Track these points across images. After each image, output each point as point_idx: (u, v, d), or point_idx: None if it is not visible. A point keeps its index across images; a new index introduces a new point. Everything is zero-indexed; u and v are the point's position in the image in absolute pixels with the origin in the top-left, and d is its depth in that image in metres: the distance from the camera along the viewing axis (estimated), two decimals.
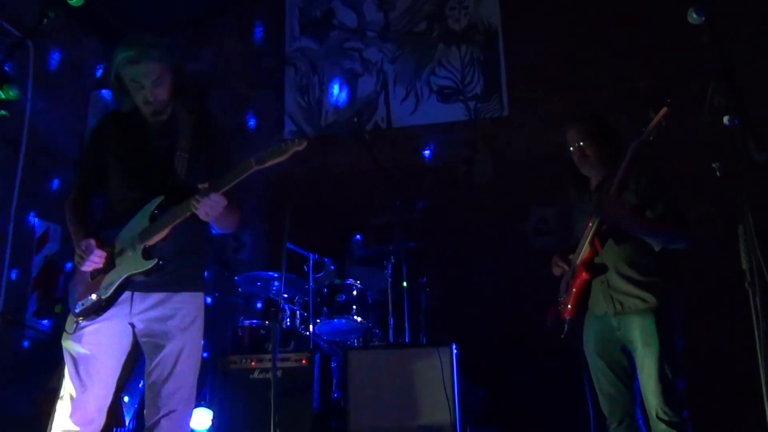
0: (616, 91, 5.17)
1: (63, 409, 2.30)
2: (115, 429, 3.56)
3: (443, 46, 5.81)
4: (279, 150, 2.21)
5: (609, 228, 2.77)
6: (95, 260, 2.29)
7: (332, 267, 4.37)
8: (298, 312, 4.20)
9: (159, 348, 2.33)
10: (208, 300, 5.32)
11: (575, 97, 5.33)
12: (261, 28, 6.30)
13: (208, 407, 3.63)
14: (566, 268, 2.95)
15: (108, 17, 5.92)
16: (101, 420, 2.35)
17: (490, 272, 5.16)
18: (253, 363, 3.51)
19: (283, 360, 3.50)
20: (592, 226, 2.76)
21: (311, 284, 4.02)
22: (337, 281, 4.19)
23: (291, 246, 4.09)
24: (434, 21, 5.88)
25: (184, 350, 2.35)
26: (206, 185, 2.22)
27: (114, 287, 2.28)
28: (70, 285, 2.42)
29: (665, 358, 2.59)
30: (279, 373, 3.41)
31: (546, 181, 5.26)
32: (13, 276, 4.87)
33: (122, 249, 2.32)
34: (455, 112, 5.67)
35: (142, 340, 2.39)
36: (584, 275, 2.81)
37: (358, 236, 4.66)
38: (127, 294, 2.33)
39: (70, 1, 1.92)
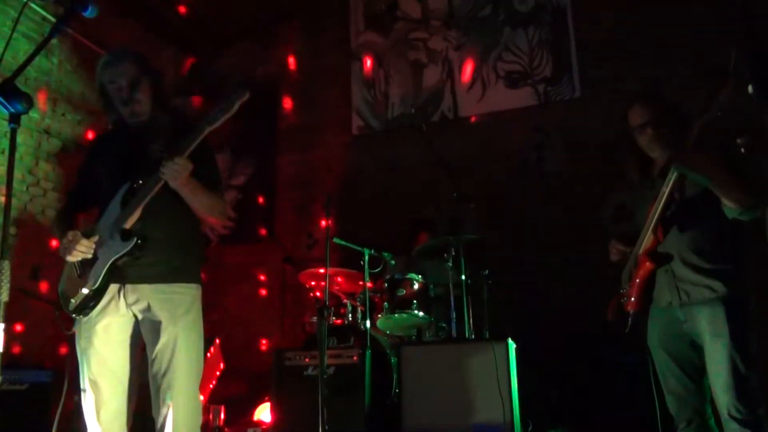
0: (695, 66, 4.78)
1: (87, 408, 2.37)
2: None
3: (509, 29, 5.62)
4: (227, 105, 2.26)
5: (673, 214, 2.58)
6: (83, 249, 2.33)
7: (392, 261, 4.33)
8: (359, 308, 4.20)
9: (154, 340, 2.35)
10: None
11: (650, 74, 5.00)
12: (327, 27, 6.37)
13: (269, 403, 3.72)
14: (626, 252, 2.78)
15: (183, 27, 6.20)
16: (124, 416, 2.38)
17: (564, 263, 4.95)
18: (306, 360, 3.55)
19: (335, 357, 3.51)
20: (656, 210, 2.56)
21: (366, 280, 4.00)
22: (398, 276, 4.15)
23: (343, 242, 4.10)
24: (499, 4, 5.70)
25: (179, 342, 2.35)
26: (165, 152, 2.30)
27: (100, 277, 2.32)
28: (61, 287, 2.46)
29: (737, 350, 2.37)
30: (331, 370, 3.44)
31: (624, 165, 4.97)
32: None
33: (102, 240, 2.36)
34: (524, 97, 5.47)
35: (143, 333, 2.41)
36: (648, 265, 2.63)
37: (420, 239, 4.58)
38: (118, 287, 2.36)
39: (84, 13, 1.98)
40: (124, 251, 2.30)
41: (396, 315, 4.03)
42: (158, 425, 2.32)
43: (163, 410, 2.30)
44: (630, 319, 2.75)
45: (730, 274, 2.49)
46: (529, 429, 3.52)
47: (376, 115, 5.96)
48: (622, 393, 3.95)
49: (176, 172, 2.26)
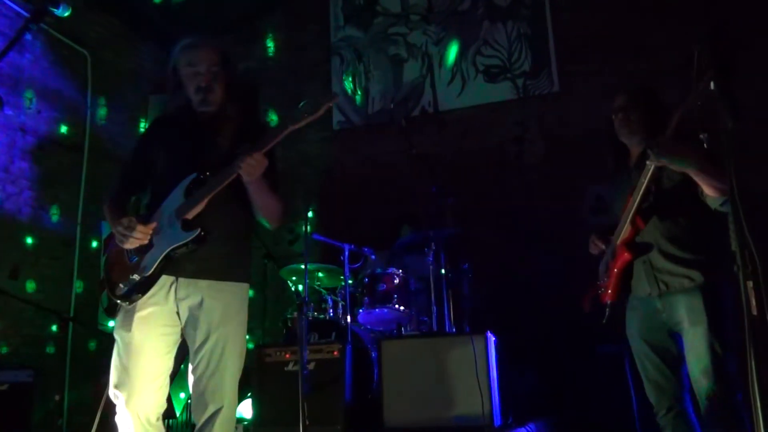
0: (672, 59, 4.83)
1: (119, 402, 2.27)
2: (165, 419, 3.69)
3: (488, 23, 5.65)
4: (312, 107, 2.23)
5: (651, 205, 2.61)
6: (138, 236, 2.26)
7: (373, 257, 4.34)
8: (340, 303, 4.22)
9: (203, 341, 2.28)
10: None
11: (628, 68, 5.04)
12: (306, 21, 6.34)
13: (250, 399, 3.72)
14: (603, 247, 2.81)
15: (162, 23, 6.14)
16: (157, 411, 2.31)
17: (544, 255, 4.99)
18: (287, 355, 3.55)
19: (316, 352, 3.51)
20: (634, 200, 2.58)
21: (347, 275, 4.01)
22: (378, 270, 4.16)
23: (323, 238, 4.11)
24: None
25: (228, 343, 2.30)
26: (247, 146, 2.23)
27: (156, 264, 2.24)
28: (107, 272, 2.37)
29: (715, 336, 2.41)
30: (312, 365, 3.45)
31: (601, 157, 5.02)
32: (81, 278, 5.18)
33: (159, 227, 2.29)
34: (503, 91, 5.50)
35: (187, 331, 2.33)
36: (626, 255, 2.66)
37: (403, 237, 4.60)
38: (171, 279, 2.29)
39: (56, 12, 1.97)
40: (186, 240, 2.23)
41: (377, 309, 4.05)
42: (200, 423, 2.27)
43: (210, 408, 2.25)
44: (607, 309, 2.78)
45: (707, 263, 2.53)
46: (509, 421, 3.56)
47: (357, 109, 5.96)
48: (600, 383, 4.00)
49: (253, 168, 2.21)
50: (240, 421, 3.88)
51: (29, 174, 4.97)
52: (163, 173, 2.40)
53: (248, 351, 4.19)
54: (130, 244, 2.28)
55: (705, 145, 1.75)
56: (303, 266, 3.81)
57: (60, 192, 5.17)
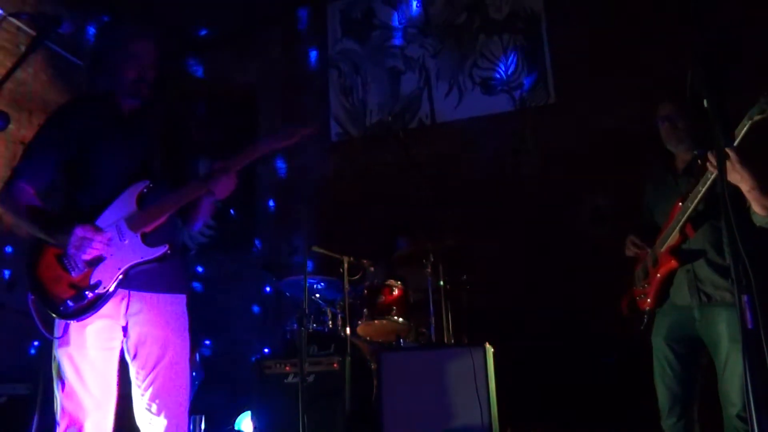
0: (670, 71, 4.88)
1: (67, 418, 2.10)
2: None
3: (485, 36, 5.69)
4: (287, 133, 2.24)
5: (702, 212, 2.54)
6: (98, 246, 2.08)
7: (372, 268, 4.36)
8: (339, 315, 4.23)
9: (157, 357, 2.20)
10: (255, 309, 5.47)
11: (625, 81, 5.09)
12: (305, 34, 6.39)
13: (250, 412, 3.73)
14: (645, 251, 2.76)
15: (159, 35, 6.16)
16: (110, 427, 2.17)
17: (542, 267, 5.02)
18: (287, 368, 3.56)
19: (316, 364, 3.53)
20: (686, 209, 2.53)
21: (346, 286, 4.03)
22: (378, 282, 4.18)
23: (322, 250, 4.13)
24: (474, 11, 5.77)
25: (182, 358, 2.25)
26: (221, 164, 2.20)
27: (114, 280, 2.11)
28: (40, 284, 2.11)
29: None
30: (311, 377, 3.46)
31: (599, 168, 5.06)
32: None
33: (110, 237, 2.13)
34: (500, 104, 5.54)
35: (134, 345, 2.21)
36: (673, 263, 2.61)
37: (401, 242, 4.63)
38: (124, 293, 2.17)
39: (60, 30, 2.00)
40: (151, 258, 2.15)
41: (376, 321, 4.07)
42: None
43: (158, 423, 2.18)
44: (645, 317, 2.74)
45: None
46: None
47: (354, 122, 6.00)
48: (602, 394, 4.01)
49: (226, 187, 2.21)
50: None
51: None
52: (97, 169, 2.23)
53: (248, 364, 4.24)
54: (90, 255, 2.09)
55: (699, 161, 1.76)
56: (299, 278, 3.82)
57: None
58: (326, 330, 4.16)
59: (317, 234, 5.46)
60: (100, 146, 2.25)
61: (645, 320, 2.74)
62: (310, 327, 4.01)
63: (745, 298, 1.51)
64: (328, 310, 4.27)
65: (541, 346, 4.61)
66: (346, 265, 4.04)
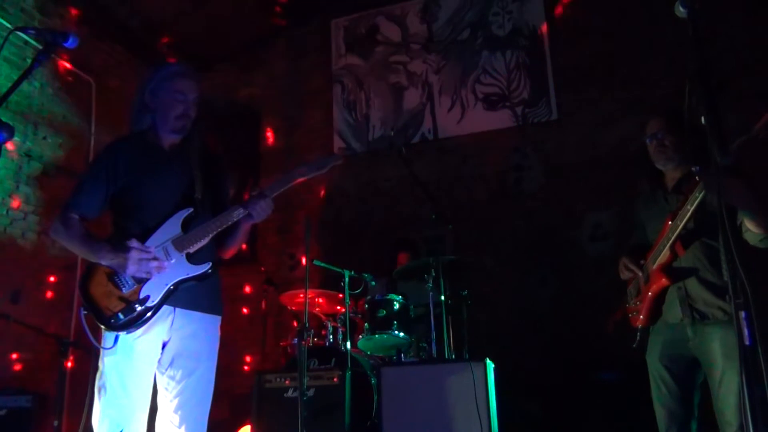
0: (671, 87, 4.91)
1: (107, 425, 2.20)
2: None
3: (487, 52, 5.74)
4: (320, 164, 2.45)
5: (692, 230, 2.53)
6: (155, 263, 2.26)
7: (373, 282, 4.36)
8: (340, 329, 4.23)
9: (190, 370, 2.33)
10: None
11: (625, 97, 5.13)
12: (308, 50, 6.45)
13: (250, 426, 3.71)
14: (638, 272, 2.73)
15: (166, 50, 6.24)
16: None
17: (542, 282, 5.02)
18: (287, 382, 3.56)
19: (316, 378, 3.52)
20: (676, 227, 2.52)
21: (347, 301, 4.03)
22: (378, 296, 4.18)
23: (323, 264, 4.13)
24: (478, 28, 5.82)
25: (211, 375, 2.39)
26: (258, 190, 2.40)
27: (162, 294, 2.27)
28: (91, 298, 2.27)
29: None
30: (311, 391, 3.45)
31: (600, 184, 5.08)
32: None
33: (158, 257, 2.29)
34: (502, 119, 5.57)
35: (170, 357, 2.34)
36: (664, 281, 2.59)
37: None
38: (169, 309, 2.31)
39: (65, 44, 2.01)
40: (196, 274, 2.32)
41: (376, 336, 4.05)
42: None
43: None
44: (638, 334, 2.71)
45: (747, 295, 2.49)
46: None
47: (358, 137, 6.03)
48: (601, 410, 3.99)
49: (263, 211, 2.38)
50: None
51: (33, 199, 5.02)
52: (146, 200, 2.38)
53: (248, 377, 4.24)
54: (144, 273, 2.25)
55: (696, 177, 1.77)
56: (303, 292, 3.82)
57: None
58: (327, 344, 4.15)
59: (319, 248, 5.49)
60: (145, 180, 2.40)
61: (638, 337, 2.71)
62: (311, 341, 4.00)
63: (743, 314, 1.51)
64: (331, 324, 4.26)
65: (541, 362, 4.61)
66: (347, 279, 4.04)
